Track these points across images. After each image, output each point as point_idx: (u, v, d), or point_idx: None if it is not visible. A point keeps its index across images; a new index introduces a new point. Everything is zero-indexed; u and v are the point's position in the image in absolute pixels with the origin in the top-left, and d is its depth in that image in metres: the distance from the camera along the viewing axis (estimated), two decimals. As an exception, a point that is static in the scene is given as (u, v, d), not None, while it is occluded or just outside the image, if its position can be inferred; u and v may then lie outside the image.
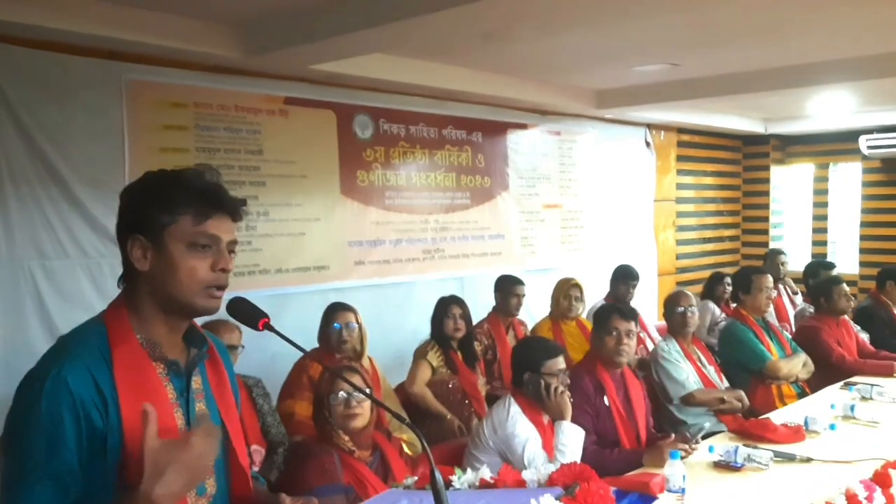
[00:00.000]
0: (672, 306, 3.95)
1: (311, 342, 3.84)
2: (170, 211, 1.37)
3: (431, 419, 3.73)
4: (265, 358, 4.00)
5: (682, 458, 2.58)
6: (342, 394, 2.36)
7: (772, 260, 6.31)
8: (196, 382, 1.46)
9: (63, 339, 1.39)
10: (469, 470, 1.58)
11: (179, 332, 1.46)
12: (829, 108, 6.88)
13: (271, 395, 3.45)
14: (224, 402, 1.51)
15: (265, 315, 1.45)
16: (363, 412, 2.36)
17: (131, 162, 3.96)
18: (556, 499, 1.28)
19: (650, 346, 4.90)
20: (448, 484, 1.57)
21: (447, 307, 4.11)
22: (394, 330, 4.84)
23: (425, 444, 1.30)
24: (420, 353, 4.04)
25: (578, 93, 5.99)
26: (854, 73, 5.09)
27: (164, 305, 1.40)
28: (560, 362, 2.78)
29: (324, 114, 4.81)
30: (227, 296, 1.47)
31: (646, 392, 3.96)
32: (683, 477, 2.26)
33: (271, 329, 1.45)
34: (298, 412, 3.36)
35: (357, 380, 2.35)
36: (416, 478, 1.65)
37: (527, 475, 1.51)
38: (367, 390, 2.34)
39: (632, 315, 3.24)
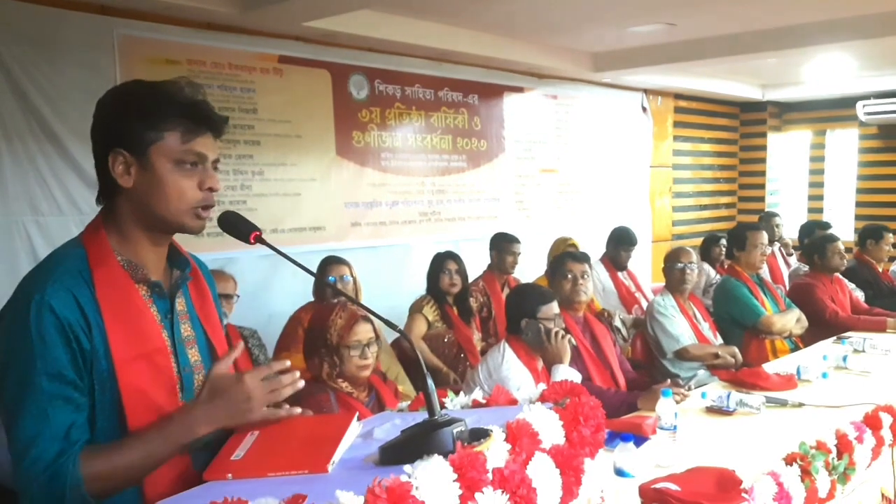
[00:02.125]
0: (672, 262, 3.97)
1: (305, 302, 3.86)
2: (157, 127, 1.31)
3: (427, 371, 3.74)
4: (262, 317, 4.03)
5: (677, 402, 2.60)
6: (357, 345, 2.35)
7: (766, 222, 6.31)
8: (180, 304, 1.44)
9: (41, 263, 1.35)
10: (462, 393, 1.60)
11: (163, 251, 1.43)
12: (827, 71, 6.84)
13: (267, 346, 3.47)
14: (209, 322, 1.49)
15: (256, 228, 1.44)
16: (373, 360, 2.38)
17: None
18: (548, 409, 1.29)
19: (645, 306, 4.92)
20: (441, 406, 1.58)
21: (443, 262, 4.12)
22: (390, 292, 4.84)
23: (416, 348, 1.31)
24: (416, 308, 4.05)
25: (575, 55, 5.96)
26: (853, 33, 5.06)
27: (147, 223, 1.37)
28: (555, 307, 2.80)
29: (318, 73, 4.78)
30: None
31: (638, 342, 3.98)
32: (675, 414, 2.29)
33: (263, 242, 1.44)
34: (294, 365, 3.37)
35: (370, 327, 2.37)
36: (409, 402, 1.67)
37: (519, 394, 1.53)
38: (377, 337, 2.38)
39: (584, 258, 3.44)
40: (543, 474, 1.16)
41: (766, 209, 8.36)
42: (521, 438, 1.16)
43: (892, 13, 4.79)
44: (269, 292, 4.43)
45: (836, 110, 8.08)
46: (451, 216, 5.60)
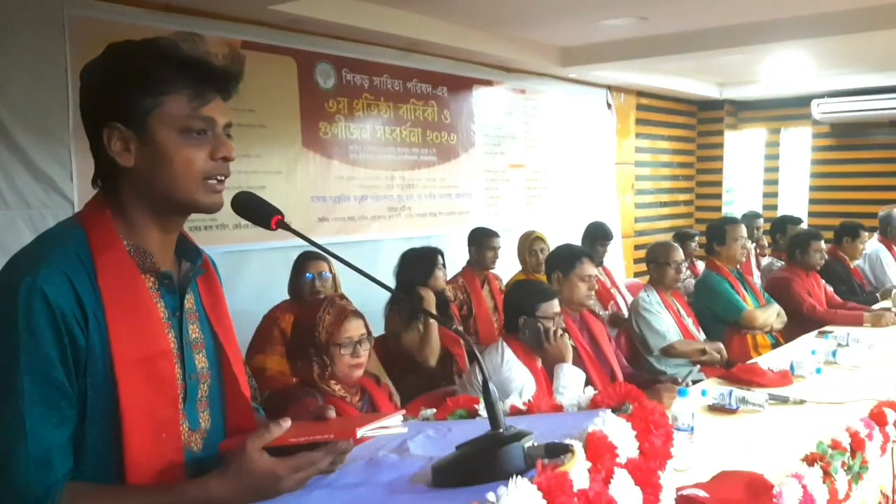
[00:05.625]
0: (663, 258, 3.87)
1: (273, 301, 3.64)
2: (154, 91, 1.12)
3: (414, 371, 3.51)
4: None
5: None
6: (348, 343, 2.19)
7: (748, 223, 6.31)
8: (189, 301, 1.25)
9: (32, 244, 1.15)
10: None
11: (173, 238, 1.24)
12: (784, 69, 6.91)
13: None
14: (221, 325, 1.30)
15: (279, 212, 1.24)
16: (366, 359, 2.21)
17: (76, 107, 3.64)
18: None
19: (621, 303, 4.86)
20: (475, 413, 1.42)
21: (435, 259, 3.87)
22: (360, 289, 4.62)
23: (470, 342, 1.14)
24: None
25: (543, 49, 5.87)
26: (811, 30, 5.10)
27: (155, 206, 1.17)
28: (555, 305, 2.67)
29: (283, 60, 4.55)
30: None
31: (622, 339, 3.90)
32: (692, 415, 2.18)
33: (286, 227, 1.25)
34: (270, 367, 3.16)
35: (361, 322, 2.20)
36: (433, 410, 1.50)
37: (564, 400, 1.38)
38: (368, 334, 2.21)
39: (595, 260, 3.38)
40: (625, 493, 1.02)
41: (723, 206, 8.46)
42: (603, 454, 1.01)
43: (855, 10, 4.83)
44: (231, 290, 4.17)
45: (791, 109, 8.21)
46: (421, 211, 5.43)
